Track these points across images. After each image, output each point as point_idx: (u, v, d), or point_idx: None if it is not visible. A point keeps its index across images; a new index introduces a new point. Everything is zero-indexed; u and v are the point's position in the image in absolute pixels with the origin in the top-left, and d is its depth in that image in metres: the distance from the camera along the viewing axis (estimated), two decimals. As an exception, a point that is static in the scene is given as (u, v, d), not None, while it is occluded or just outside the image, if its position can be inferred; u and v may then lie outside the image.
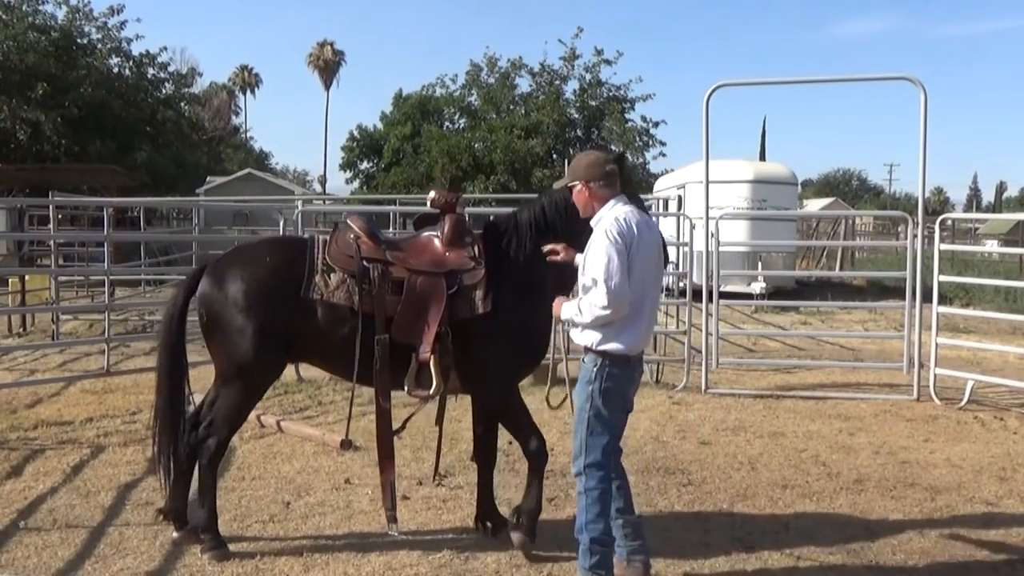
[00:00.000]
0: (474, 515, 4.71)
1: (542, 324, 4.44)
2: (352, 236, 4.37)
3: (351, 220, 4.47)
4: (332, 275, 4.28)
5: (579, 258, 4.24)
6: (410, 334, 4.25)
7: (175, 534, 4.42)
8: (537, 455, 4.42)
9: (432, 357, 4.23)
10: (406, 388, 4.32)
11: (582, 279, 3.82)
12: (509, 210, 5.06)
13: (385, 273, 4.30)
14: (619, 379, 3.79)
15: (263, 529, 4.69)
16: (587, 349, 3.81)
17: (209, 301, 4.30)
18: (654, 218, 4.21)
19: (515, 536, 4.36)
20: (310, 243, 4.42)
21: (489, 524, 4.62)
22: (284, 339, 4.31)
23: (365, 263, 4.28)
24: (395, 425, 4.44)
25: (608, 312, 3.64)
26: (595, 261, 3.70)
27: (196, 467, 4.39)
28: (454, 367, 4.31)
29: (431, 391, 4.30)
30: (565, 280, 4.36)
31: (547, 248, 4.31)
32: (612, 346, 3.74)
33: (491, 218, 4.75)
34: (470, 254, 4.37)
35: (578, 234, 4.18)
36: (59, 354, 10.31)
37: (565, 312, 3.89)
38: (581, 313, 3.74)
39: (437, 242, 4.43)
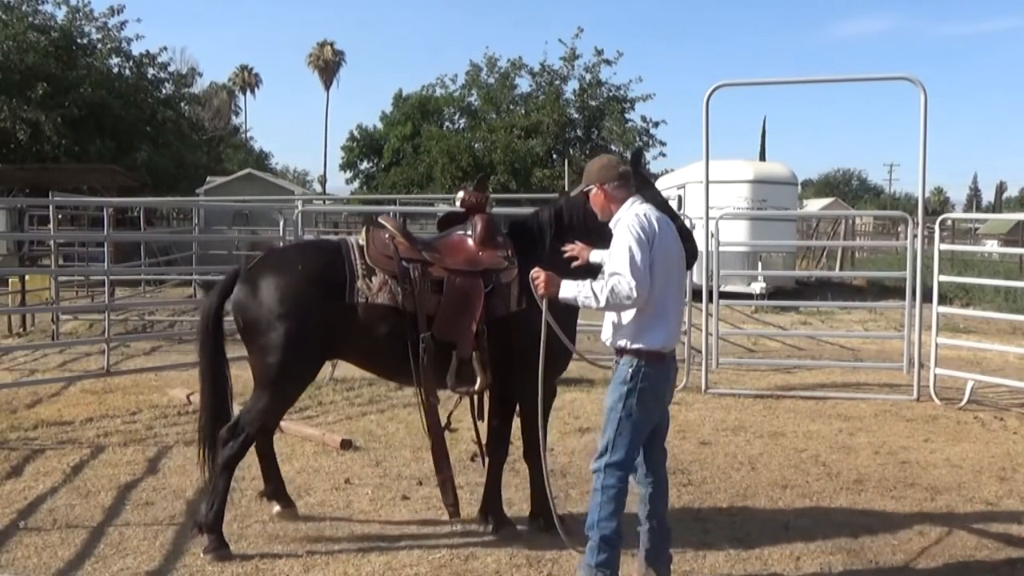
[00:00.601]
0: (479, 508, 4.71)
1: (572, 319, 4.50)
2: (387, 236, 4.41)
3: (383, 220, 4.51)
4: (374, 278, 4.31)
5: (595, 255, 4.27)
6: (451, 332, 4.32)
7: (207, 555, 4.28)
8: (535, 456, 4.53)
9: (475, 355, 4.32)
10: (448, 385, 4.38)
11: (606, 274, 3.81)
12: (510, 211, 5.14)
13: (425, 273, 4.35)
14: (654, 379, 3.79)
15: (263, 529, 4.69)
16: (621, 351, 3.81)
17: (245, 308, 4.30)
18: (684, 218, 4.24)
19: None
20: (344, 247, 4.43)
21: (491, 519, 4.63)
22: (321, 346, 4.35)
23: (404, 263, 4.32)
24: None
25: (630, 302, 3.64)
26: (618, 255, 3.70)
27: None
28: (489, 364, 4.38)
29: (476, 386, 4.37)
30: (592, 276, 4.40)
31: (565, 248, 4.39)
32: (646, 344, 3.74)
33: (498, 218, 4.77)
34: (503, 254, 4.44)
35: (596, 234, 4.31)
36: (59, 354, 10.31)
37: (565, 290, 3.82)
38: (596, 297, 3.68)
39: (470, 242, 4.48)
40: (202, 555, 4.26)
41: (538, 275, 3.89)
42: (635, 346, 3.76)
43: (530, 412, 4.55)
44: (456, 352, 4.33)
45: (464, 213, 4.60)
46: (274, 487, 4.79)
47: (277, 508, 4.74)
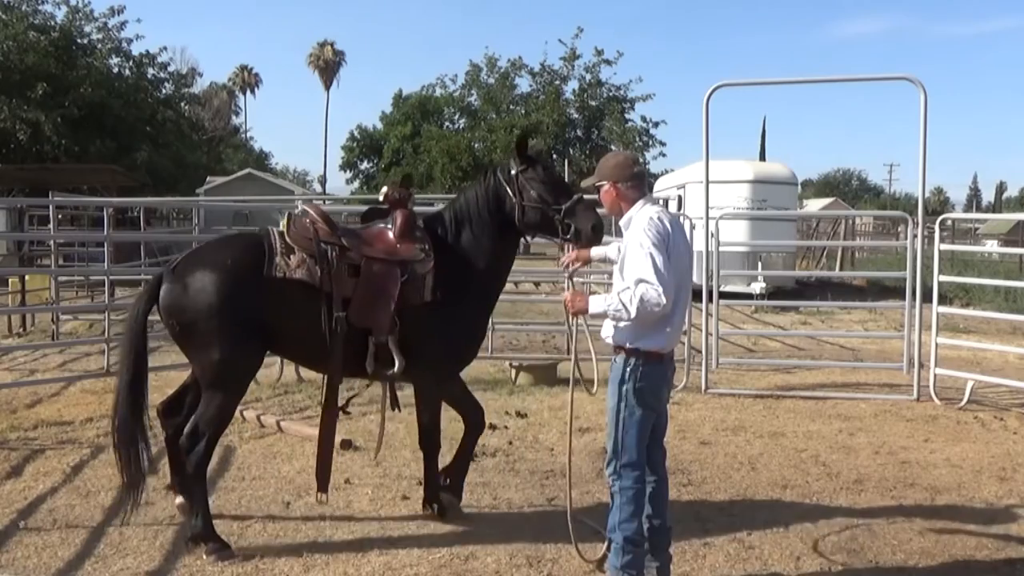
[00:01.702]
0: (422, 501, 4.90)
1: (480, 315, 4.79)
2: (309, 221, 4.51)
3: (307, 207, 4.64)
4: (292, 256, 4.39)
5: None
6: (367, 317, 4.42)
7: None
8: (430, 443, 4.78)
9: (391, 340, 4.42)
10: (368, 370, 4.48)
11: (622, 280, 3.75)
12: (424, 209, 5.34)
13: (342, 256, 4.44)
14: (652, 378, 3.79)
15: (263, 529, 4.69)
16: (619, 348, 3.79)
17: (179, 309, 4.31)
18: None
19: (445, 498, 4.79)
20: (265, 232, 4.54)
21: (437, 506, 4.84)
22: (258, 327, 4.35)
23: (323, 245, 4.42)
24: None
25: (659, 309, 3.61)
26: (639, 261, 3.65)
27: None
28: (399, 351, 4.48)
29: (395, 369, 4.44)
30: (497, 274, 4.74)
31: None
32: (646, 344, 3.74)
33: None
34: (420, 246, 4.56)
35: (486, 227, 4.60)
36: (59, 354, 10.30)
37: (594, 306, 3.81)
38: (626, 309, 3.62)
39: (390, 234, 4.61)
40: (205, 558, 4.25)
41: (566, 298, 3.97)
42: (634, 345, 3.75)
43: (429, 401, 4.75)
44: (372, 337, 4.42)
45: (387, 208, 4.72)
46: (180, 479, 4.74)
47: (180, 500, 4.71)
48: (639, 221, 3.78)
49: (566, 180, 4.85)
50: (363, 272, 4.44)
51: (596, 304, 3.81)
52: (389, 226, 4.64)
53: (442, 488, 4.84)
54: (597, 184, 4.02)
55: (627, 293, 3.64)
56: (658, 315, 3.64)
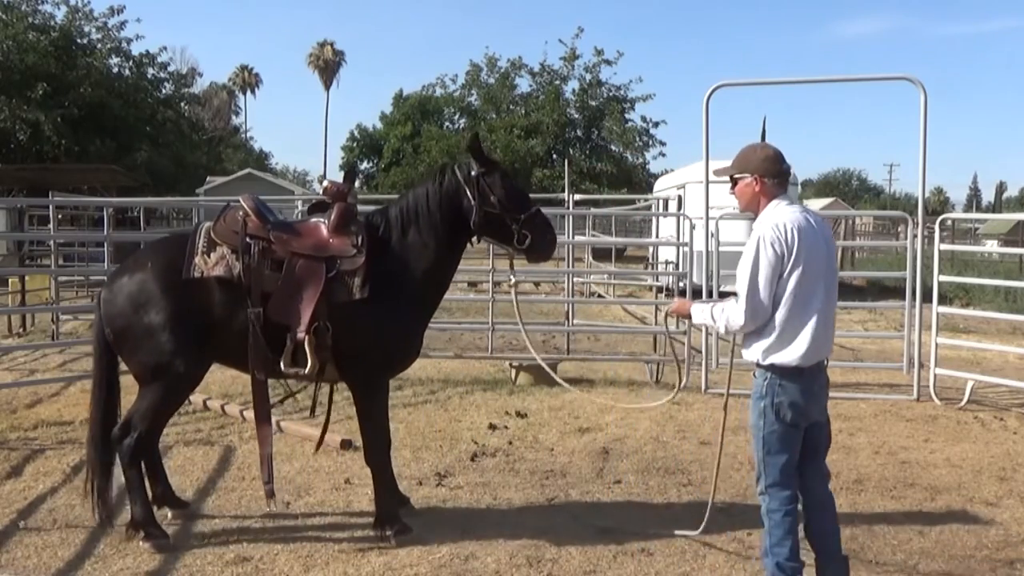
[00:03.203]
0: (374, 520, 4.59)
1: (416, 318, 4.56)
2: (241, 214, 4.44)
3: (243, 199, 4.54)
4: (213, 253, 4.34)
5: (697, 308, 3.96)
6: (286, 313, 4.31)
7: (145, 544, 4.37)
8: (376, 457, 4.57)
9: (307, 338, 4.29)
10: (282, 367, 4.37)
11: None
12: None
13: (266, 251, 4.37)
14: (792, 392, 3.56)
15: (263, 529, 4.69)
16: (756, 364, 3.67)
17: (110, 318, 4.36)
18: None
19: (392, 540, 4.44)
20: (196, 229, 4.48)
21: (388, 527, 4.50)
22: (185, 328, 4.30)
23: (248, 239, 4.35)
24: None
25: (741, 328, 3.59)
26: (742, 271, 3.55)
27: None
28: (331, 354, 4.36)
29: (306, 370, 4.34)
30: (439, 276, 4.56)
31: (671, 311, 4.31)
32: (779, 359, 3.56)
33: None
34: (353, 242, 4.43)
35: (436, 227, 4.44)
36: (59, 354, 10.30)
37: (696, 314, 3.83)
38: (715, 320, 3.68)
39: (323, 228, 4.50)
40: (142, 545, 4.31)
41: (673, 305, 4.13)
42: (768, 361, 3.58)
43: (367, 409, 4.57)
44: (290, 334, 4.30)
45: (331, 201, 4.61)
46: (162, 489, 4.78)
47: (169, 513, 4.72)
48: (761, 228, 3.56)
49: (525, 190, 4.77)
50: (286, 268, 4.34)
51: (698, 312, 3.83)
52: (324, 220, 4.53)
53: (396, 515, 4.55)
54: (737, 175, 3.72)
55: (719, 307, 3.68)
56: (741, 330, 3.62)
